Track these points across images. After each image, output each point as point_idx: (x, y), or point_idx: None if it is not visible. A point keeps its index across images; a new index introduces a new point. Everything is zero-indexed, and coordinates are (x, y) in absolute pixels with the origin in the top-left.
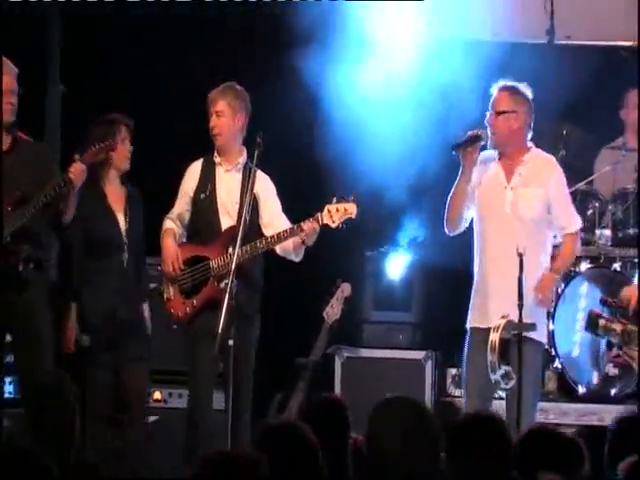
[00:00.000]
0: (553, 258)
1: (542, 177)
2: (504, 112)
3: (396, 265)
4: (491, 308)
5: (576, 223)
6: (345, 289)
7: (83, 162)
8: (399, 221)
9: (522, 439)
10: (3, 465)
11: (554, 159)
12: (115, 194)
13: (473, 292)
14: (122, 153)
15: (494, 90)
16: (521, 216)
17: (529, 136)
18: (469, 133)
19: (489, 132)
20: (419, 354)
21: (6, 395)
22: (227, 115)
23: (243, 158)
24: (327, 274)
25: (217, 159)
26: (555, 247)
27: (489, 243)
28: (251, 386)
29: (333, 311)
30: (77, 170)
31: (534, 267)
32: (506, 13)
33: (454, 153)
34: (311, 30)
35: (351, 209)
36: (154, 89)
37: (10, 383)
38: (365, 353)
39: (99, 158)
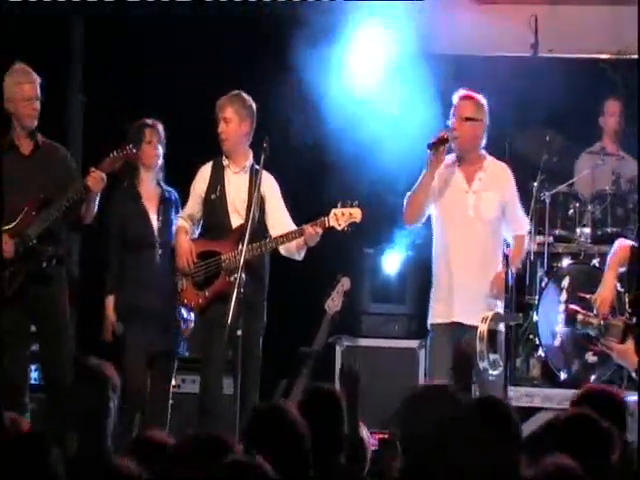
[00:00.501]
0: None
1: (499, 182)
2: (471, 119)
3: (392, 261)
4: (457, 303)
5: (526, 225)
6: (345, 283)
7: (102, 170)
8: (395, 221)
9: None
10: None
11: (506, 166)
12: (149, 194)
13: (435, 289)
14: (147, 153)
15: (458, 97)
16: (483, 218)
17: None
18: (440, 134)
19: (452, 137)
20: (413, 343)
21: (31, 381)
22: (234, 122)
23: (249, 161)
24: (328, 269)
25: (225, 162)
26: None
27: (453, 243)
28: (258, 372)
29: (334, 303)
30: (95, 178)
31: (496, 262)
32: (493, 29)
33: (429, 151)
34: (312, 31)
35: (356, 214)
36: (160, 94)
37: (35, 370)
38: (364, 342)
39: (116, 166)
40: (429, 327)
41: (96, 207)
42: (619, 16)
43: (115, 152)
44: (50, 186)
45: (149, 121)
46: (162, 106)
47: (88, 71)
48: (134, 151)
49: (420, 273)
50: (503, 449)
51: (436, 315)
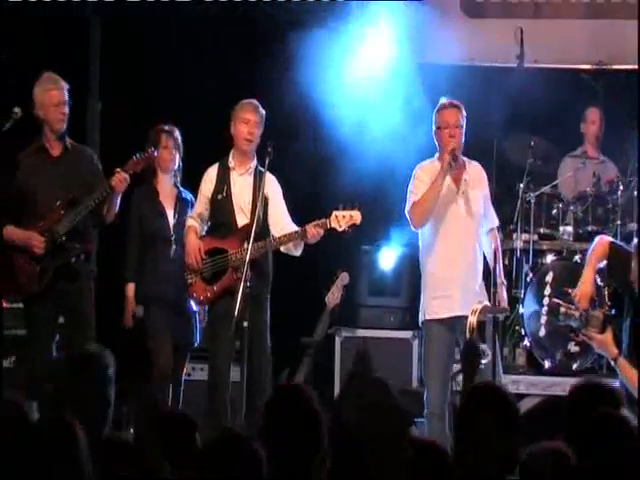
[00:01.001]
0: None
1: (479, 180)
2: (462, 126)
3: (387, 257)
4: (457, 296)
5: (496, 219)
6: (344, 278)
7: (126, 171)
8: (390, 220)
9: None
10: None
11: (479, 164)
12: (166, 194)
13: (430, 286)
14: (164, 157)
15: (447, 106)
16: (473, 214)
17: None
18: (451, 146)
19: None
20: (407, 334)
21: None
22: (259, 127)
23: (254, 163)
24: (328, 265)
25: (231, 164)
26: None
27: (448, 240)
28: (270, 359)
29: (333, 297)
30: (119, 179)
31: (481, 255)
32: (482, 41)
33: (452, 163)
34: (312, 35)
35: (356, 216)
36: (171, 99)
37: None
38: (361, 333)
39: (139, 168)
40: (422, 324)
41: (118, 206)
42: (600, 29)
43: (138, 155)
44: (78, 186)
45: (166, 127)
46: (174, 110)
47: (105, 78)
48: (155, 154)
49: (414, 269)
50: (502, 433)
51: (434, 312)
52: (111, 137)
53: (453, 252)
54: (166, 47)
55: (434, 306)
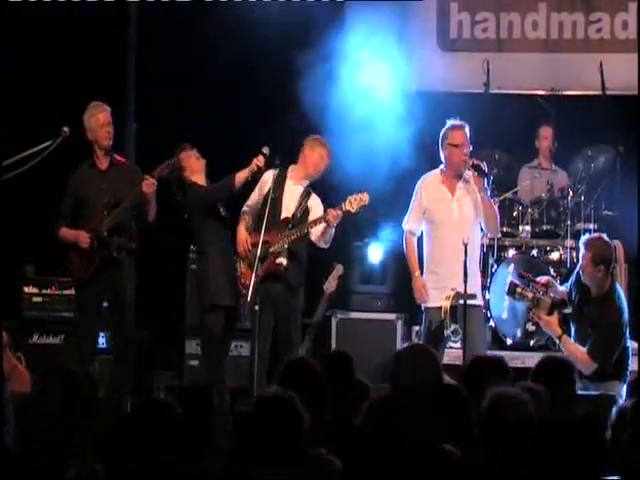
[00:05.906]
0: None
1: (474, 189)
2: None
3: (375, 252)
4: (448, 286)
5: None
6: (339, 269)
7: (153, 177)
8: (378, 222)
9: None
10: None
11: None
12: None
13: (427, 281)
14: (196, 166)
15: (459, 128)
16: (466, 218)
17: None
18: (477, 162)
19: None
20: (392, 316)
21: (100, 346)
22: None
23: (307, 182)
24: (326, 259)
25: (290, 173)
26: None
27: (444, 240)
28: (300, 339)
29: (330, 285)
30: (147, 184)
31: (475, 252)
32: (454, 71)
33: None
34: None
35: (365, 198)
36: (202, 120)
37: (103, 337)
38: (354, 315)
39: (164, 173)
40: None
41: (155, 207)
42: (553, 61)
43: (163, 163)
44: (120, 193)
45: (188, 145)
46: (203, 130)
47: (140, 102)
48: (172, 163)
49: (397, 261)
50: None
51: (430, 299)
52: (145, 153)
53: (444, 253)
54: (196, 72)
55: (430, 293)
